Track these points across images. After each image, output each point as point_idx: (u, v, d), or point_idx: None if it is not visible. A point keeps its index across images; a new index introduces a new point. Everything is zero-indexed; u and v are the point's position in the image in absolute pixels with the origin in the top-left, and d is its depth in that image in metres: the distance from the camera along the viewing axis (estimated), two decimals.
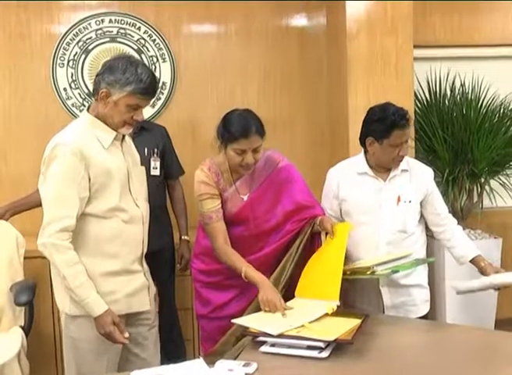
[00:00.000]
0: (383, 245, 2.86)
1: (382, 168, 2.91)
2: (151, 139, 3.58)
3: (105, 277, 2.45)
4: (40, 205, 3.49)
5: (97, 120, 2.46)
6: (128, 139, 2.67)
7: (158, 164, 3.57)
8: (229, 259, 2.70)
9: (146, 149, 3.49)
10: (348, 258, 2.78)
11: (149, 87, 2.43)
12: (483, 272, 2.82)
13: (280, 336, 2.21)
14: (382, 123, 2.77)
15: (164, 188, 3.73)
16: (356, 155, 3.03)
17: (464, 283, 2.80)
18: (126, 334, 2.42)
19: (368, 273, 2.63)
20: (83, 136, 2.42)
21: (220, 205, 2.77)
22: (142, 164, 2.74)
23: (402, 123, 2.75)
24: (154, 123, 3.69)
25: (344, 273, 2.60)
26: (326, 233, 2.74)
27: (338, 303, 2.47)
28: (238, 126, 2.63)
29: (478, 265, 2.86)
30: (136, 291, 2.54)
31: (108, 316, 2.37)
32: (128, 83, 2.38)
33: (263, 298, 2.50)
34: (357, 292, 2.94)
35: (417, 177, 2.93)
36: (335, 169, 3.06)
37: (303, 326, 2.27)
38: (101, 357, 2.49)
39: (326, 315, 2.39)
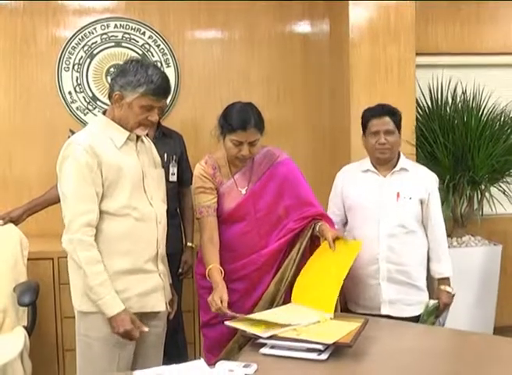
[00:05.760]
0: (384, 238, 2.96)
1: (381, 165, 3.03)
2: (170, 146, 3.60)
3: (117, 275, 2.44)
4: (55, 202, 3.49)
5: (111, 122, 2.50)
6: (147, 141, 2.71)
7: (175, 170, 3.60)
8: (204, 255, 2.74)
9: (166, 155, 3.50)
10: None
11: (160, 88, 2.47)
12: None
13: (279, 338, 2.23)
14: (364, 116, 3.03)
15: (177, 194, 3.74)
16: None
17: None
18: (145, 328, 2.43)
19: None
20: (96, 135, 2.47)
21: (213, 201, 2.79)
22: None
23: (377, 111, 2.98)
24: (173, 130, 3.72)
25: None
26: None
27: (332, 316, 2.49)
28: (237, 118, 2.67)
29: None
30: (149, 291, 2.54)
31: (127, 314, 2.39)
32: (139, 85, 2.43)
33: (209, 298, 2.56)
34: (358, 288, 3.00)
35: (417, 177, 3.04)
36: (341, 171, 3.22)
37: (295, 329, 2.29)
38: (113, 355, 2.48)
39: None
